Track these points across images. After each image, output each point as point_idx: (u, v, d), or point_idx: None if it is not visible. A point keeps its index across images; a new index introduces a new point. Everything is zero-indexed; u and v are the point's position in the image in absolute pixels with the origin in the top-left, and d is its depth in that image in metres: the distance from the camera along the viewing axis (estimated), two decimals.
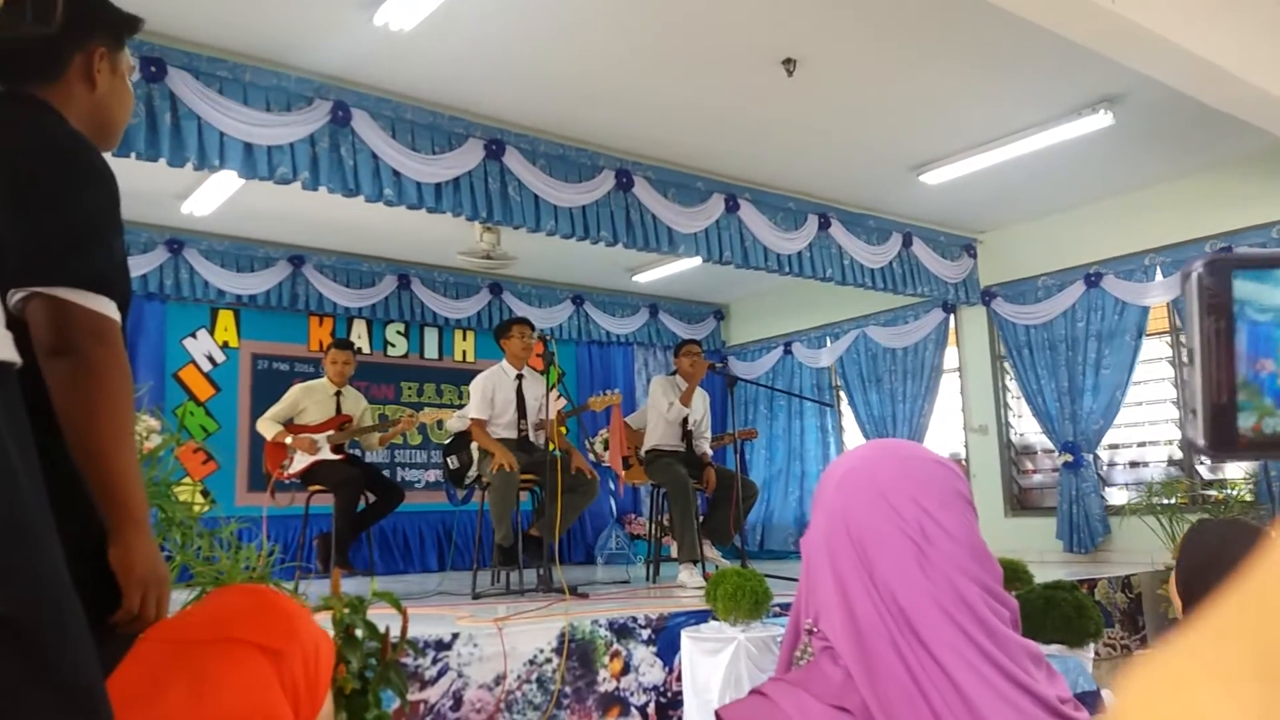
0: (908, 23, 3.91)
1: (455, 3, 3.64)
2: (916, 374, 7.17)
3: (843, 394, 7.86)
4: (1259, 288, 0.38)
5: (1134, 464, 6.20)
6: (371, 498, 4.94)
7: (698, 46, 4.09)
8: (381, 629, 1.78)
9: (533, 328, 4.99)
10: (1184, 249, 5.73)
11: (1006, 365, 6.77)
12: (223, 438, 6.38)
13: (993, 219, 6.58)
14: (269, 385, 6.36)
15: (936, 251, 6.53)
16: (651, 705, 3.30)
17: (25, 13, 1.22)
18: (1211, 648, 0.26)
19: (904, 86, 4.51)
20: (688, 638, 3.31)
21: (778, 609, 3.39)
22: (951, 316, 7.08)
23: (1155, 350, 6.08)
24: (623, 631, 3.30)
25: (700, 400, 5.39)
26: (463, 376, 6.93)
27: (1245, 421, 0.38)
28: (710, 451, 5.46)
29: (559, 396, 4.82)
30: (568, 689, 3.12)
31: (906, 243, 6.34)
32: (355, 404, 5.19)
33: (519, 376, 4.82)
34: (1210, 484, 5.71)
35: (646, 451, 5.29)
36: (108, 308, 1.19)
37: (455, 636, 2.93)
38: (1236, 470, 5.56)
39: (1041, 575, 3.85)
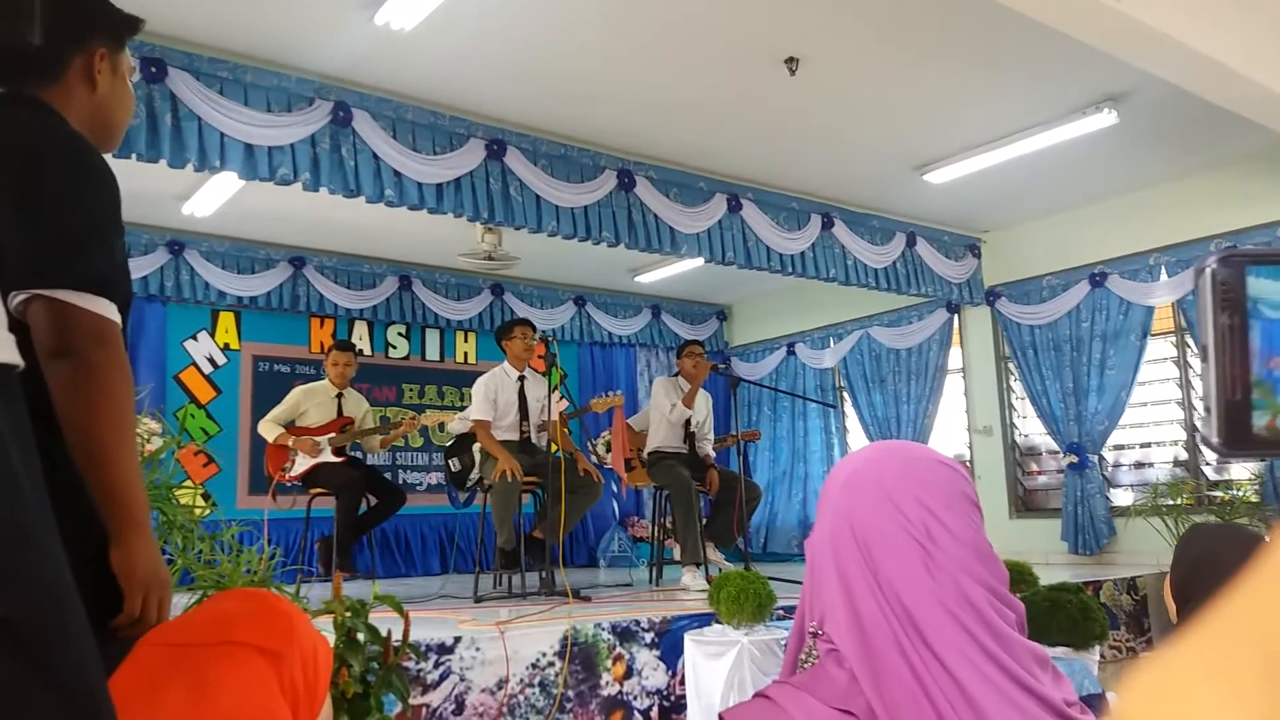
0: (910, 21, 3.90)
1: (456, 2, 3.64)
2: (920, 375, 7.16)
3: (846, 395, 7.85)
4: (1273, 284, 0.38)
5: (1139, 465, 6.18)
6: (373, 500, 4.94)
7: (700, 46, 4.09)
8: (383, 632, 1.78)
9: (534, 329, 4.99)
10: (1189, 248, 5.71)
11: (1011, 366, 6.76)
12: (224, 440, 6.39)
13: (997, 218, 6.58)
14: (270, 387, 6.36)
15: (940, 251, 6.52)
16: (655, 709, 3.29)
17: (14, 21, 1.21)
18: (1216, 649, 0.26)
19: (907, 85, 4.50)
20: (691, 641, 3.30)
21: (781, 612, 3.38)
22: (955, 317, 7.06)
23: (1160, 350, 6.06)
24: (625, 635, 3.29)
25: (703, 402, 5.38)
26: (464, 378, 6.93)
27: (1260, 420, 0.37)
28: (713, 453, 5.45)
29: (561, 398, 4.81)
30: (570, 693, 3.12)
31: (910, 243, 6.33)
32: (357, 406, 5.19)
33: (521, 378, 4.82)
34: (1216, 485, 5.69)
35: (649, 453, 5.28)
36: (109, 310, 1.18)
37: (457, 640, 2.92)
38: (1242, 471, 5.54)
39: (1046, 577, 3.84)
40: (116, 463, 1.16)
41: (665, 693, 3.33)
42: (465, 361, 7.58)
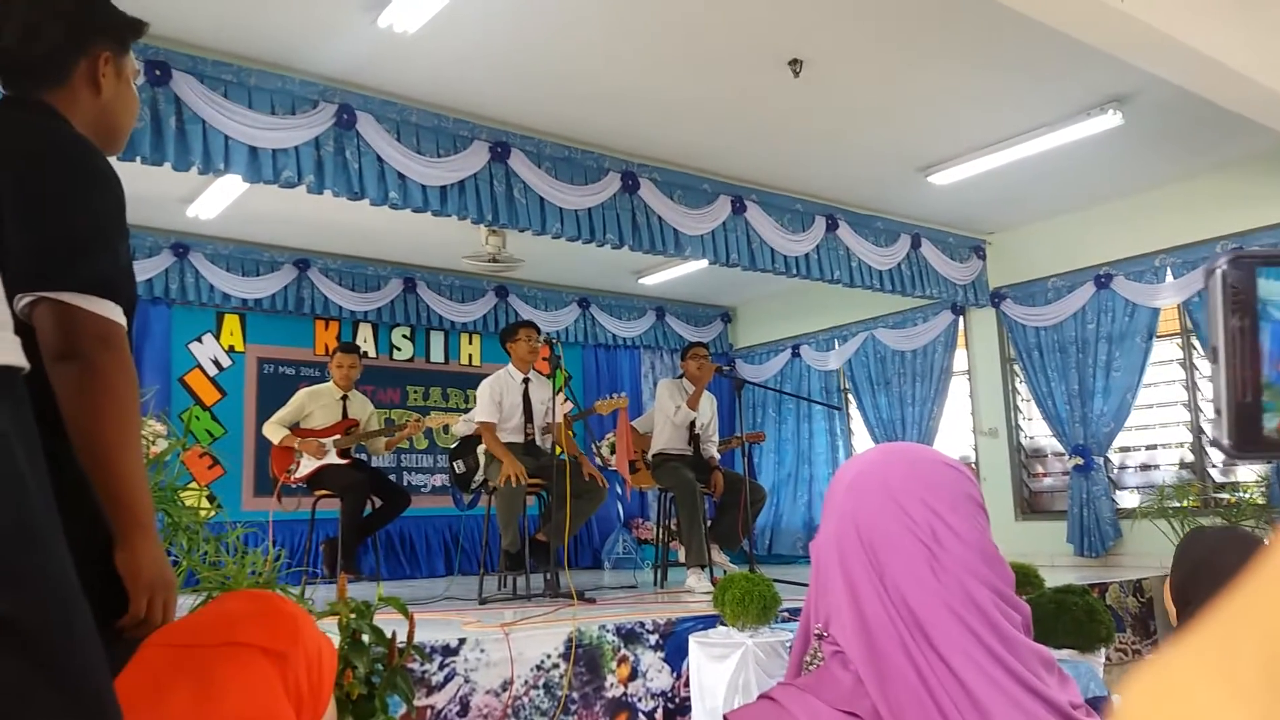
0: (914, 23, 3.90)
1: (459, 5, 3.64)
2: (925, 377, 7.15)
3: (851, 397, 7.83)
4: None
5: (1145, 467, 6.16)
6: (378, 502, 4.95)
7: (703, 47, 4.09)
8: (388, 634, 1.78)
9: (539, 331, 4.99)
10: (1194, 250, 5.70)
11: (1016, 367, 6.75)
12: (228, 442, 6.40)
13: (1002, 220, 6.56)
14: (275, 389, 6.37)
15: (945, 253, 6.51)
16: (659, 711, 3.29)
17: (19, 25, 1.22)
18: (1217, 651, 0.26)
19: (911, 86, 4.50)
20: (695, 643, 3.30)
21: (786, 614, 3.38)
22: (960, 318, 7.05)
23: (1166, 352, 6.04)
24: (630, 637, 3.29)
25: (707, 404, 5.37)
26: (469, 380, 6.94)
27: (1270, 422, 0.37)
28: (718, 455, 5.45)
29: (565, 400, 4.81)
30: (575, 695, 3.11)
31: (915, 244, 6.32)
32: (361, 408, 5.20)
33: (525, 380, 4.81)
34: (1222, 487, 5.67)
35: (653, 455, 5.28)
36: (113, 312, 1.19)
37: (462, 642, 2.92)
38: (1249, 473, 5.52)
39: (1052, 579, 3.83)
40: (121, 464, 1.16)
41: (670, 695, 3.32)
42: (470, 364, 7.58)
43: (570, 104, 4.60)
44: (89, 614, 0.83)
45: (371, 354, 7.03)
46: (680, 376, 5.45)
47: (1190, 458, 5.87)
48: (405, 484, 6.69)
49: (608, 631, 3.24)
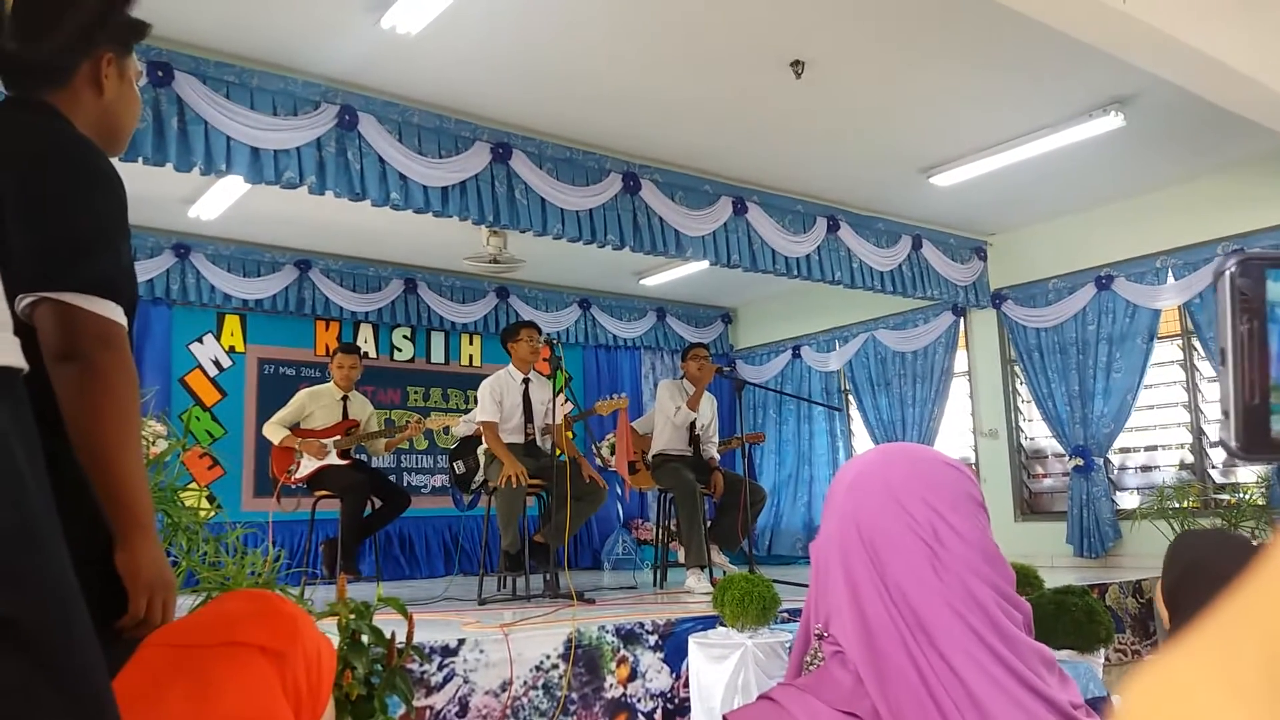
0: (916, 24, 3.90)
1: (462, 6, 3.64)
2: (926, 378, 7.15)
3: (852, 398, 7.83)
4: None
5: (1145, 468, 6.16)
6: (378, 503, 4.95)
7: (705, 49, 4.09)
8: (388, 634, 1.78)
9: (540, 331, 4.99)
10: (1196, 251, 5.70)
11: (1017, 369, 6.75)
12: (229, 443, 6.40)
13: (1003, 221, 6.56)
14: (275, 390, 6.37)
15: (946, 254, 6.51)
16: (659, 711, 3.29)
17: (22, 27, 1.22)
18: (1217, 651, 0.26)
19: (913, 88, 4.49)
20: (695, 644, 3.30)
21: (785, 615, 3.37)
22: (961, 320, 7.05)
23: (1167, 354, 6.04)
24: (630, 637, 3.29)
25: (708, 404, 5.37)
26: (469, 381, 6.94)
27: (1278, 425, 0.37)
28: (718, 456, 5.45)
29: (565, 401, 4.81)
30: (574, 695, 3.11)
31: (916, 245, 6.32)
32: (362, 409, 5.20)
33: (526, 380, 4.81)
34: (1222, 488, 5.67)
35: (653, 456, 5.28)
36: (114, 313, 1.19)
37: (461, 642, 2.92)
38: (1249, 474, 5.52)
39: (1052, 580, 3.82)
40: (121, 465, 1.16)
41: (669, 695, 3.32)
42: (470, 364, 7.58)
43: (572, 105, 4.60)
44: (88, 614, 0.83)
45: (372, 355, 7.03)
46: (681, 377, 5.45)
47: (1190, 459, 5.87)
48: (405, 484, 6.69)
49: (607, 632, 3.24)
